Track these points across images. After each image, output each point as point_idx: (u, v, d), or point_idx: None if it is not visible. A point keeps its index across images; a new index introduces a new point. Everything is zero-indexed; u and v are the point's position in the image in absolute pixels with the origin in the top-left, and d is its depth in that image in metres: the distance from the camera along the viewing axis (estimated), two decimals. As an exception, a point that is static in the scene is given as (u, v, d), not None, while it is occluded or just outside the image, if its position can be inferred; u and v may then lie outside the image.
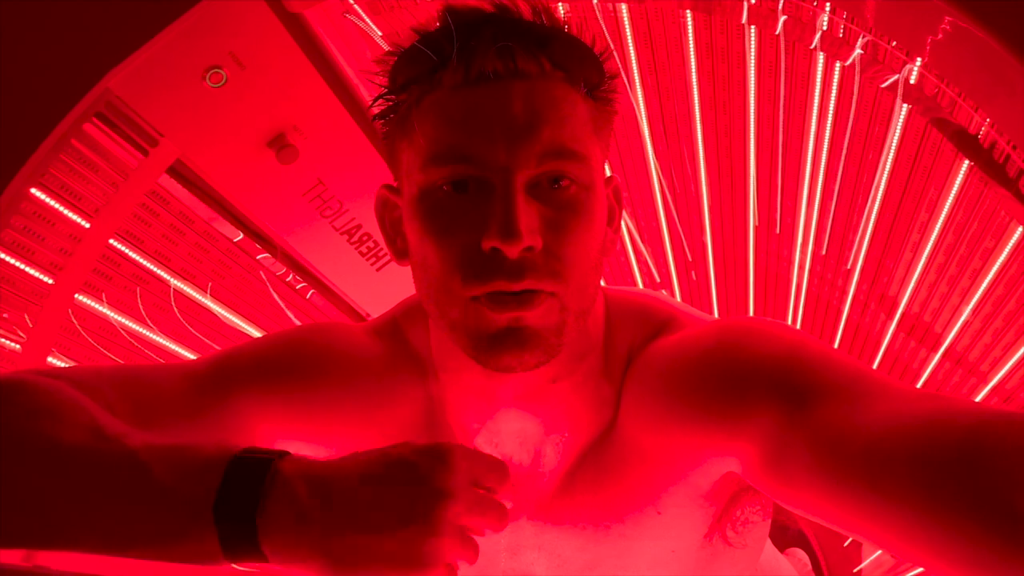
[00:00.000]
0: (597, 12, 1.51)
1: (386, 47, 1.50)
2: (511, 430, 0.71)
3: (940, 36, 0.98)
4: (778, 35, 1.47)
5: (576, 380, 0.70)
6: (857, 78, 1.43)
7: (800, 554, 1.34)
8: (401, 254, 0.71)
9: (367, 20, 1.49)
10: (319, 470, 0.53)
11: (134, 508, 0.52)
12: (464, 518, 0.53)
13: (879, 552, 2.01)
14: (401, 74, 0.66)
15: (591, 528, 0.72)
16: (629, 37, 1.62)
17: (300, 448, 0.76)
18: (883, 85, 1.35)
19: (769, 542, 1.00)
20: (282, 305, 1.75)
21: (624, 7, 1.56)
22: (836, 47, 1.42)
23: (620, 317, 0.74)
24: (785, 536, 2.06)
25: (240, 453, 0.53)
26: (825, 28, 1.39)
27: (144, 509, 0.52)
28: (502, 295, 0.61)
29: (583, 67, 0.65)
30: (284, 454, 0.54)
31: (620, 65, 1.65)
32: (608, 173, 0.72)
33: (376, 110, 0.69)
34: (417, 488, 0.52)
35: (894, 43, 1.31)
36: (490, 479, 0.56)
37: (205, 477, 0.51)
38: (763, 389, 0.63)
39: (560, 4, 1.38)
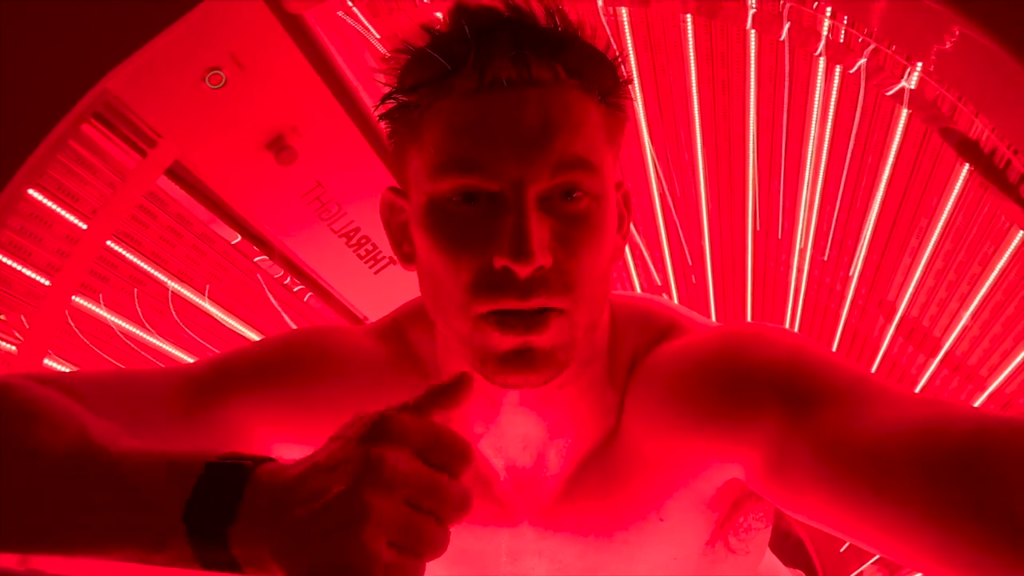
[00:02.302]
0: (601, 16, 1.50)
1: (384, 50, 1.50)
2: (515, 434, 0.71)
3: (947, 44, 0.98)
4: (781, 41, 1.47)
5: (581, 385, 0.70)
6: (863, 84, 1.43)
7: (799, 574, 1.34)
8: (407, 259, 0.70)
9: (365, 23, 1.49)
10: (285, 478, 0.48)
11: (113, 515, 0.51)
12: (396, 533, 0.45)
13: (876, 557, 2.01)
14: (411, 76, 0.64)
15: (593, 534, 0.72)
16: (629, 41, 1.62)
17: (299, 453, 0.76)
18: (888, 93, 1.35)
19: (768, 549, 1.00)
20: (279, 308, 1.75)
21: (624, 11, 1.56)
22: (840, 53, 1.42)
23: (624, 322, 0.74)
24: (787, 543, 2.05)
25: (215, 460, 0.50)
26: (828, 35, 1.39)
27: (123, 516, 0.51)
28: (511, 315, 0.59)
29: (598, 74, 0.64)
30: (263, 460, 0.51)
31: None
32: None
33: (383, 109, 0.67)
34: (336, 505, 0.45)
35: (893, 47, 1.31)
36: (443, 456, 0.47)
37: (180, 485, 0.49)
38: (766, 395, 0.63)
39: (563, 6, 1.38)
